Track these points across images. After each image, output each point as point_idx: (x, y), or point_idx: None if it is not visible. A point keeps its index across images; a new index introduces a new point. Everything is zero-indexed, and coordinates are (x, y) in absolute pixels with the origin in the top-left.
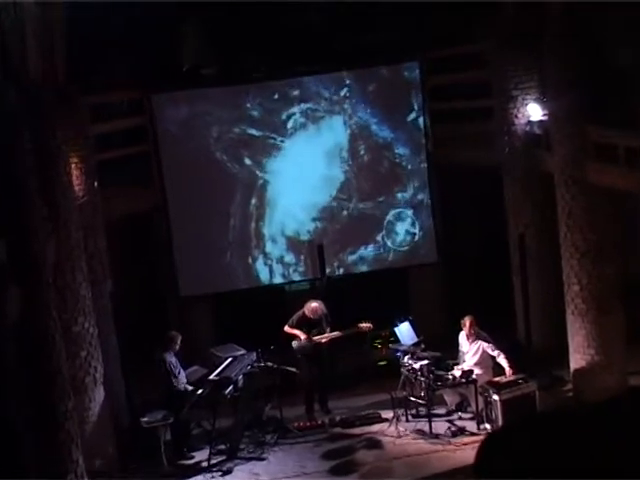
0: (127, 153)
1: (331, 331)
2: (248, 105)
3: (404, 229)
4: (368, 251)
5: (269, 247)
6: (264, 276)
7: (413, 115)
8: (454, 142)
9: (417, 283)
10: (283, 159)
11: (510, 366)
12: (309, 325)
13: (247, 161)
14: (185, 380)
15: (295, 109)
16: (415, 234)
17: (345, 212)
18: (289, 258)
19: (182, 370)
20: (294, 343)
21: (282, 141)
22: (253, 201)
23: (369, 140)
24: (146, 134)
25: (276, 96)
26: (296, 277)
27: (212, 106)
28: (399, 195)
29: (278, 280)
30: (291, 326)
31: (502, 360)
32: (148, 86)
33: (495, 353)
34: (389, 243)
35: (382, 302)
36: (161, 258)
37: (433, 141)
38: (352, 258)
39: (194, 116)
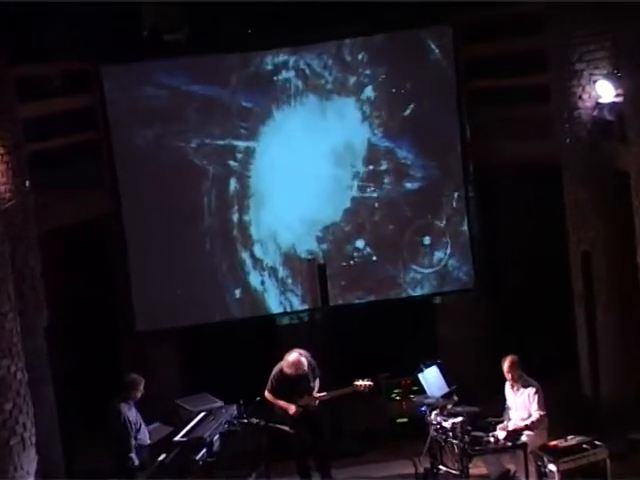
0: (69, 143)
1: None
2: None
3: (431, 246)
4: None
5: (259, 251)
6: (255, 282)
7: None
8: (498, 131)
9: (448, 316)
10: (270, 138)
11: (528, 427)
12: (292, 384)
13: (231, 163)
14: (148, 440)
15: (287, 57)
16: (446, 252)
17: (357, 240)
18: (284, 274)
19: (144, 426)
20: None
21: (269, 115)
22: (233, 185)
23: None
24: (94, 118)
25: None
26: (293, 299)
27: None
28: (422, 199)
29: (272, 293)
30: (272, 391)
31: (529, 419)
32: (96, 55)
33: (533, 407)
34: (412, 264)
35: (402, 340)
36: (112, 281)
37: (471, 130)
38: (360, 300)
39: (154, 96)
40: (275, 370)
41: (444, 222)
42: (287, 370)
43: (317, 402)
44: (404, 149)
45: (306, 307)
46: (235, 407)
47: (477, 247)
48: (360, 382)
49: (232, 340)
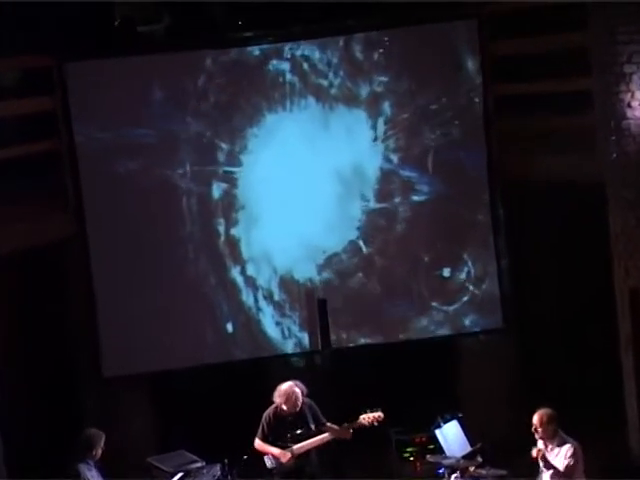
0: (25, 153)
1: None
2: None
3: (452, 279)
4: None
5: (251, 269)
6: (247, 298)
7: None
8: (531, 145)
9: (471, 361)
10: (261, 145)
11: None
12: (288, 425)
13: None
14: None
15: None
16: (469, 287)
17: (363, 275)
18: (281, 297)
19: None
20: (267, 459)
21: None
22: (216, 192)
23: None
24: (56, 124)
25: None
26: (292, 326)
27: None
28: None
29: (267, 314)
30: (263, 437)
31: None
32: (58, 50)
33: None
34: (430, 300)
35: (417, 389)
36: (75, 316)
37: (499, 143)
38: (367, 341)
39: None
40: (267, 411)
41: (467, 251)
42: (281, 403)
43: (315, 447)
44: (423, 176)
45: (305, 336)
46: (218, 467)
47: (506, 279)
48: (368, 415)
49: (216, 385)
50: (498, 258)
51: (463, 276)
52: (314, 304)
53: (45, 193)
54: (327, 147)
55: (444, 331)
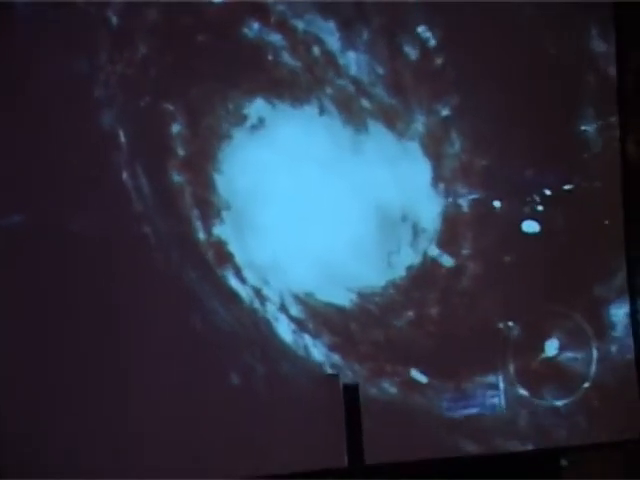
0: None
1: None
2: None
3: (562, 353)
4: (470, 408)
5: (250, 275)
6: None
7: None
8: None
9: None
10: (252, 135)
11: None
12: None
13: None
14: None
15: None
16: (588, 370)
17: (411, 313)
18: (300, 313)
19: None
20: None
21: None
22: (176, 176)
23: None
24: None
25: None
26: (320, 345)
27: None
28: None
29: (282, 321)
30: None
31: None
32: None
33: None
34: (519, 387)
35: None
36: None
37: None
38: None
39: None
40: None
41: (585, 317)
42: None
43: None
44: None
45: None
46: None
47: None
48: None
49: None
50: (635, 326)
51: (578, 354)
52: (339, 394)
53: None
54: (357, 172)
55: (541, 440)
